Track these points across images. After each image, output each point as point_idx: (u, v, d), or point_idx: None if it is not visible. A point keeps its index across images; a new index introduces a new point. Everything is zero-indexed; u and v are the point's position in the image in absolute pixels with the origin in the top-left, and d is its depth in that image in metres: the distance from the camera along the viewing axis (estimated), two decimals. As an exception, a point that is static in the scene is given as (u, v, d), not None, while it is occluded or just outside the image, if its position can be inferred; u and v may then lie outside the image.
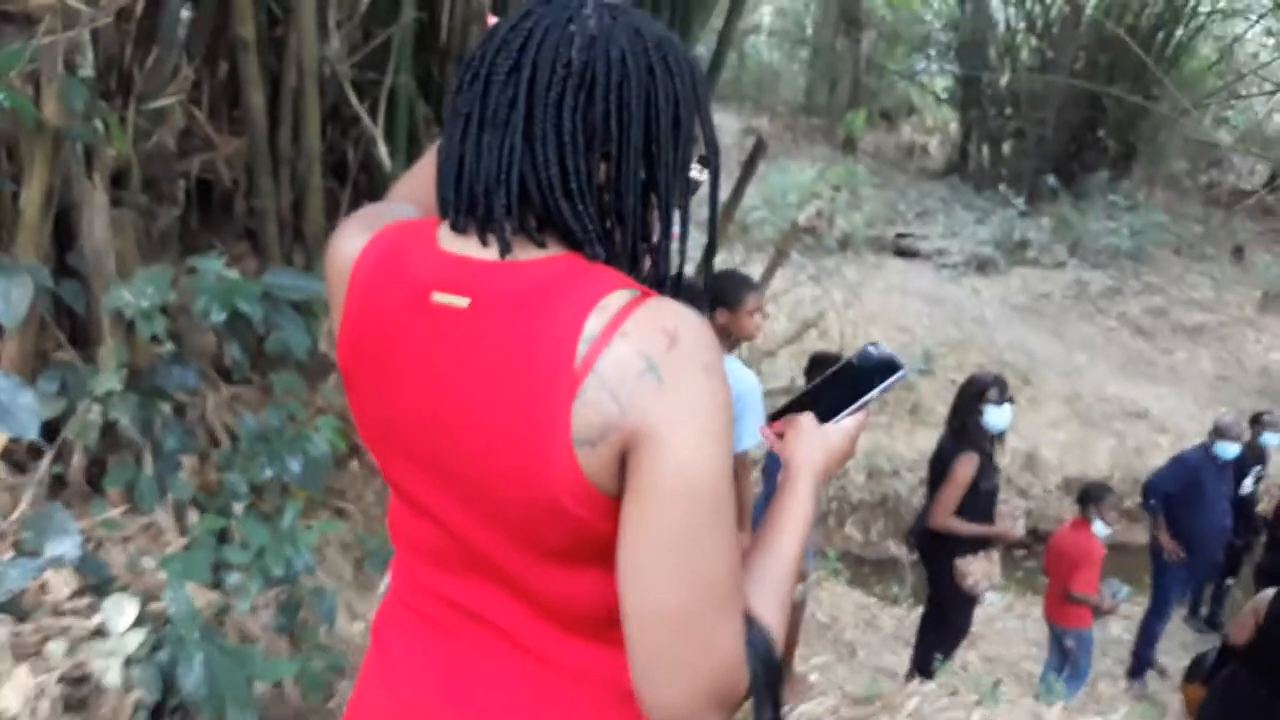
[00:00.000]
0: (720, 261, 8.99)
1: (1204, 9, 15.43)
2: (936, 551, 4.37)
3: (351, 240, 1.12)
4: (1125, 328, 12.49)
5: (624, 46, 1.00)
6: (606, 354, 0.94)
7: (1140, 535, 8.20)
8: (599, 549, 0.98)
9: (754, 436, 3.35)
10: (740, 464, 3.50)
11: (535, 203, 1.00)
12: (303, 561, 2.69)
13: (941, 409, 9.28)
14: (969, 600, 4.38)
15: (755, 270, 8.44)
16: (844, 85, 17.77)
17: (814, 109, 18.14)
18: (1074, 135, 15.79)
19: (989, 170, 16.49)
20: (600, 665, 1.07)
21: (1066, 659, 4.85)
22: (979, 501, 4.19)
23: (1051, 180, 14.92)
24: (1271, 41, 17.04)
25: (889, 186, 15.63)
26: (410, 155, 3.89)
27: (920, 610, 4.86)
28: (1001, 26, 16.28)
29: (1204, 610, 6.51)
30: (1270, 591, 4.10)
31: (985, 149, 16.91)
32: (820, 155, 15.52)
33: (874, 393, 1.20)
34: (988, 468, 4.20)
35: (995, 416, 4.20)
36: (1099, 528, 4.75)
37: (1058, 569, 4.84)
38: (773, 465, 4.15)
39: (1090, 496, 4.84)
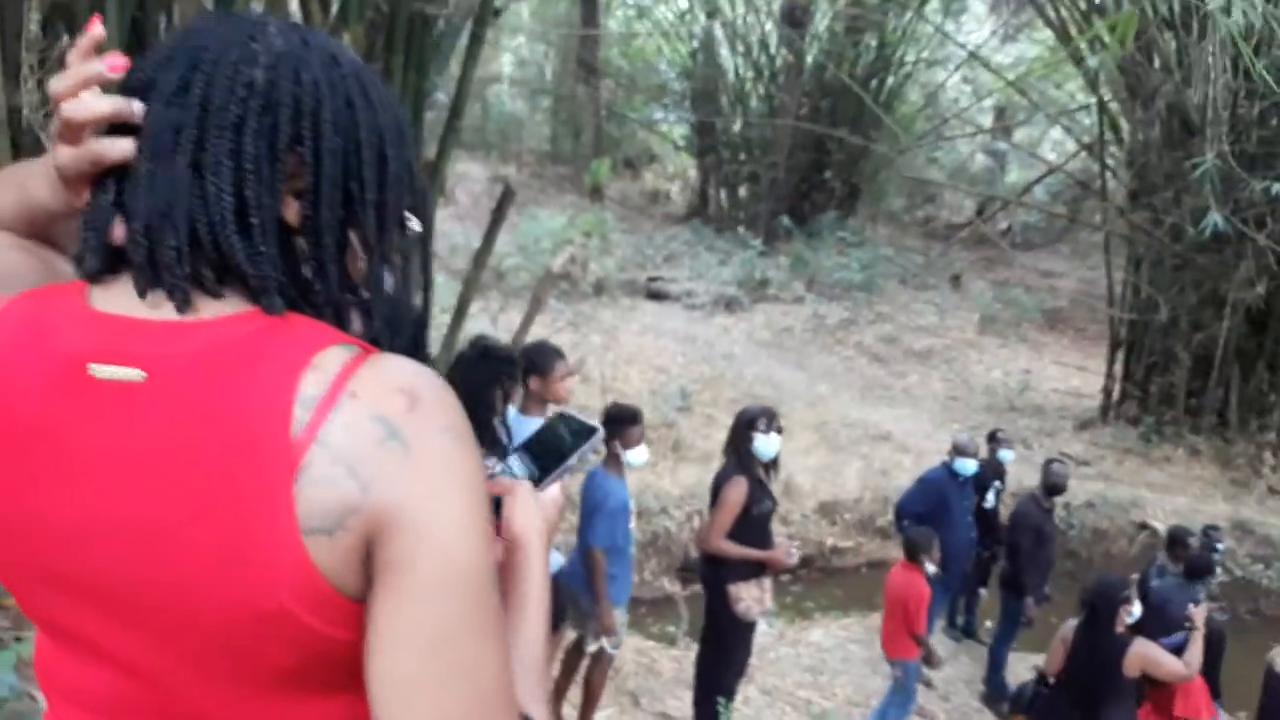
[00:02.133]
0: (476, 309, 8.84)
1: (910, 58, 16.76)
2: (711, 578, 4.42)
3: None
4: (862, 355, 13.25)
5: (317, 71, 0.85)
6: (333, 420, 0.77)
7: (893, 552, 8.63)
8: (340, 667, 0.80)
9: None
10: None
11: (207, 245, 0.82)
12: (6, 683, 2.32)
13: (701, 444, 9.51)
14: (746, 629, 4.43)
15: (513, 317, 8.31)
16: (587, 134, 18.09)
17: (559, 157, 18.36)
18: (803, 177, 16.73)
19: (728, 213, 17.18)
20: None
21: (896, 686, 5.17)
22: (751, 526, 4.29)
23: (785, 220, 15.72)
24: (969, 89, 18.79)
25: (636, 232, 15.98)
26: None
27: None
28: (731, 75, 17.06)
29: (960, 619, 6.88)
30: (1074, 621, 4.52)
31: (723, 193, 17.61)
32: (569, 203, 15.68)
33: (574, 457, 1.13)
34: (758, 493, 4.30)
35: (763, 444, 4.35)
36: (929, 568, 5.10)
37: (893, 608, 5.10)
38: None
39: (914, 544, 5.13)
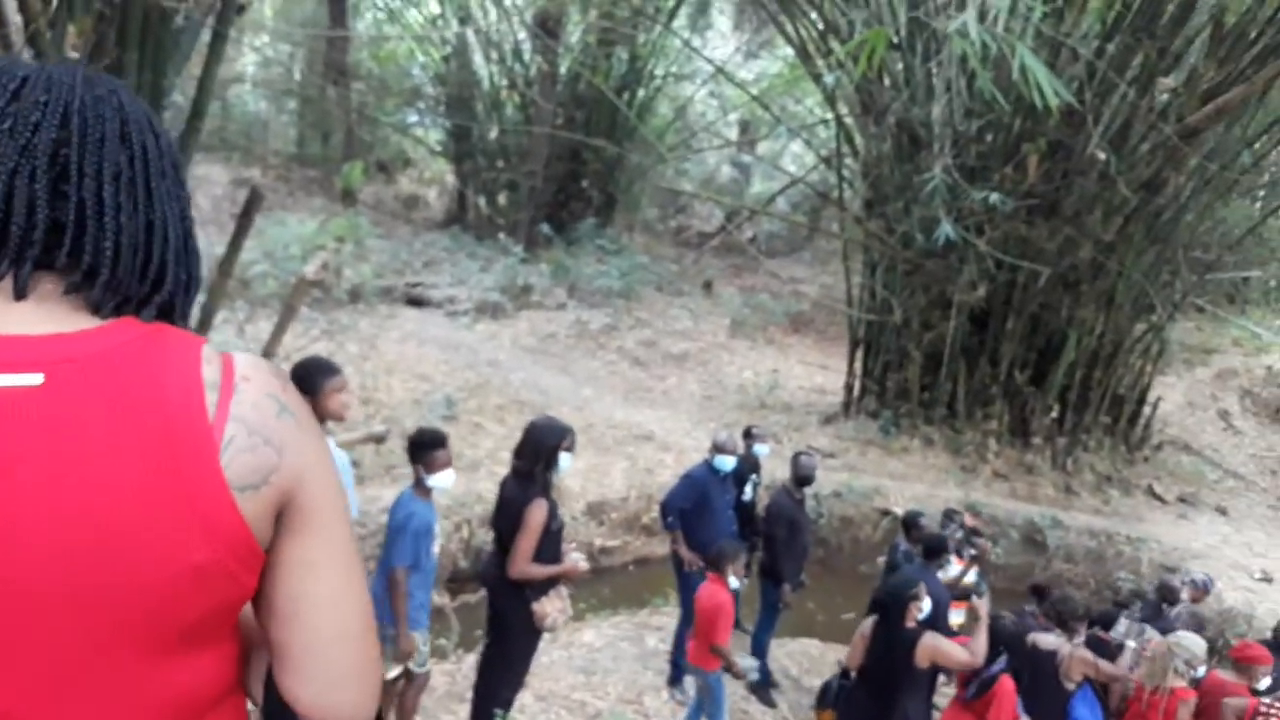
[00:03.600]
0: (221, 319, 8.34)
1: (660, 72, 17.26)
2: (510, 595, 4.35)
3: None
4: (623, 360, 13.52)
5: (132, 99, 1.03)
6: (238, 400, 0.93)
7: (658, 548, 8.84)
8: (228, 613, 0.97)
9: (351, 508, 3.43)
10: None
11: (152, 270, 0.99)
12: None
13: (469, 452, 9.38)
14: (533, 639, 4.46)
15: (262, 327, 7.90)
16: (337, 136, 17.51)
17: (307, 160, 17.69)
18: (561, 186, 16.89)
19: (487, 220, 17.09)
20: None
21: (704, 696, 5.25)
22: (549, 543, 4.28)
23: (545, 228, 15.81)
24: (715, 103, 19.57)
25: (393, 237, 15.63)
26: None
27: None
28: (486, 82, 16.99)
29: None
30: (870, 620, 4.80)
31: (482, 200, 17.51)
32: (319, 207, 15.13)
33: None
34: (554, 509, 4.32)
35: (566, 462, 4.37)
36: (732, 582, 5.19)
37: (699, 621, 5.17)
38: None
39: (721, 556, 5.21)
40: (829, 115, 12.70)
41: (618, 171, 17.37)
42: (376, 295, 12.80)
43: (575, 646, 6.22)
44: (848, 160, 12.05)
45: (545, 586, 4.32)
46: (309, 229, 12.82)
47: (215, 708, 0.99)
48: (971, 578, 6.27)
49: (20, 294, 0.92)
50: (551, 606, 4.32)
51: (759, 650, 6.28)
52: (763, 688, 6.23)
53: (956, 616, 5.97)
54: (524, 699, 4.84)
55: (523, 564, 4.21)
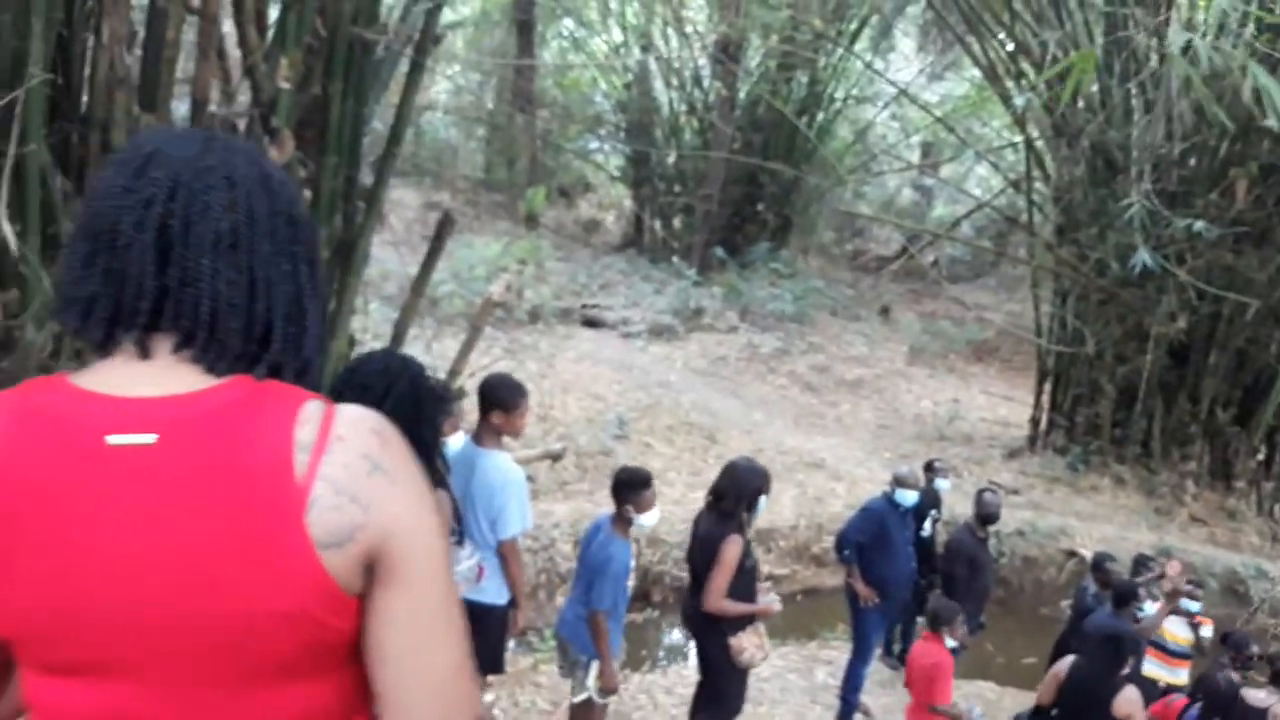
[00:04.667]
0: (410, 336, 8.73)
1: (839, 95, 17.07)
2: (709, 630, 4.48)
3: None
4: (795, 384, 13.36)
5: (250, 162, 1.11)
6: (329, 460, 1.00)
7: (828, 579, 8.67)
8: (331, 652, 1.04)
9: (526, 521, 4.01)
10: (512, 548, 4.04)
11: (257, 333, 1.06)
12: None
13: (639, 474, 9.48)
14: (742, 674, 4.55)
15: (448, 344, 8.21)
16: (522, 162, 18.08)
17: (494, 185, 18.30)
18: (736, 210, 16.89)
19: (662, 243, 17.26)
20: None
21: None
22: (743, 580, 4.37)
23: (719, 251, 15.83)
24: (897, 125, 19.19)
25: (571, 260, 15.97)
26: (46, 233, 3.40)
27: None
28: (665, 108, 17.20)
29: (896, 648, 6.91)
30: (1069, 659, 4.75)
31: (658, 223, 17.71)
32: (503, 230, 15.63)
33: None
34: (748, 548, 4.44)
35: (764, 504, 4.57)
36: (949, 642, 5.07)
37: (915, 681, 5.09)
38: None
39: (938, 616, 5.11)
40: (1018, 138, 12.26)
41: (794, 195, 17.25)
42: (555, 316, 13.10)
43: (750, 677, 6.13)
44: (1037, 184, 11.59)
45: (741, 622, 4.41)
46: (494, 251, 13.27)
47: None
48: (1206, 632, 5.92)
49: (144, 354, 1.04)
50: (749, 642, 4.41)
51: (933, 692, 6.05)
52: (936, 731, 5.99)
53: (1150, 666, 5.61)
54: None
55: (717, 598, 4.31)
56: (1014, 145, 13.08)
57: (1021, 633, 8.47)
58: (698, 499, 9.26)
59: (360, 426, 1.04)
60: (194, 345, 1.04)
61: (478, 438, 4.08)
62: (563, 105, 18.48)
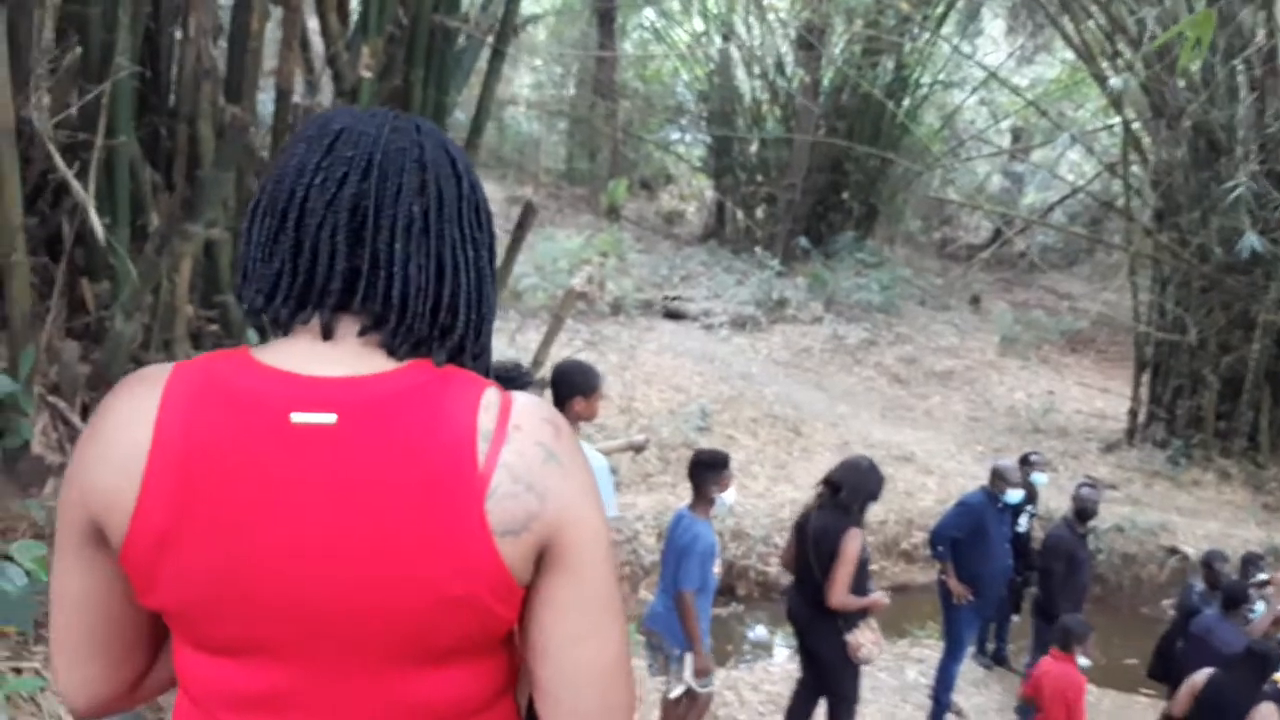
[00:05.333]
0: (495, 328, 8.76)
1: (926, 81, 16.69)
2: (822, 628, 4.48)
3: (129, 398, 1.02)
4: (882, 376, 13.10)
5: (438, 145, 1.09)
6: (508, 449, 0.99)
7: (918, 575, 8.48)
8: (494, 638, 1.05)
9: (611, 510, 4.05)
10: None
11: (443, 317, 1.05)
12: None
13: (722, 467, 9.37)
14: (857, 669, 4.57)
15: (530, 336, 8.22)
16: (603, 154, 18.07)
17: (575, 178, 18.33)
18: (820, 198, 16.62)
19: (744, 233, 17.08)
20: None
21: None
22: (860, 574, 4.40)
23: (803, 241, 15.61)
24: (985, 110, 18.70)
25: (653, 252, 15.90)
26: (135, 225, 3.44)
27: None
28: (748, 97, 17.01)
29: (990, 646, 6.71)
30: (1206, 671, 4.60)
31: (740, 214, 17.54)
32: (585, 223, 15.63)
33: None
34: (863, 542, 4.46)
35: (875, 505, 4.63)
36: (1082, 661, 4.92)
37: (1049, 703, 4.91)
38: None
39: (1068, 634, 4.97)
40: (1114, 120, 11.82)
41: (880, 183, 16.91)
42: (637, 308, 13.05)
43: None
44: (1134, 167, 11.16)
45: (855, 618, 4.44)
46: (576, 244, 13.27)
47: (481, 713, 1.08)
48: None
49: (327, 334, 1.03)
50: (865, 637, 4.44)
51: (1029, 692, 5.85)
52: (1032, 733, 5.80)
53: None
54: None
55: (841, 593, 4.34)
56: (1110, 128, 12.61)
57: (1119, 632, 8.17)
58: (782, 493, 9.24)
59: (535, 416, 1.04)
60: (383, 329, 1.03)
61: None
62: (644, 96, 18.41)
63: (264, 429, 0.97)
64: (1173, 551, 9.07)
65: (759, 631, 7.64)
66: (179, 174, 3.59)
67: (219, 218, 3.58)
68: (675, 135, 19.01)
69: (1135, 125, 10.89)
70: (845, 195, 16.78)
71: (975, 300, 15.86)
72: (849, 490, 4.45)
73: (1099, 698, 6.98)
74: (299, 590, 0.98)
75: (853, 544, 4.33)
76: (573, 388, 3.96)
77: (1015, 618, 6.55)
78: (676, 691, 4.26)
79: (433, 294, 1.05)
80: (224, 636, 1.01)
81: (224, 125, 3.53)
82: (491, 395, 1.02)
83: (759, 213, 17.33)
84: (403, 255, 1.03)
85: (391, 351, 1.03)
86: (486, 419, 1.00)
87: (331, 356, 1.02)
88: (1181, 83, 9.68)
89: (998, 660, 6.71)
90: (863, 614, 4.48)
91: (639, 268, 14.42)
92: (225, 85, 3.61)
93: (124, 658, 1.11)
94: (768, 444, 10.33)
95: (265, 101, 4.07)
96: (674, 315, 13.62)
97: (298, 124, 3.63)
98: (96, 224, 2.88)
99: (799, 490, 9.33)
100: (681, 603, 4.13)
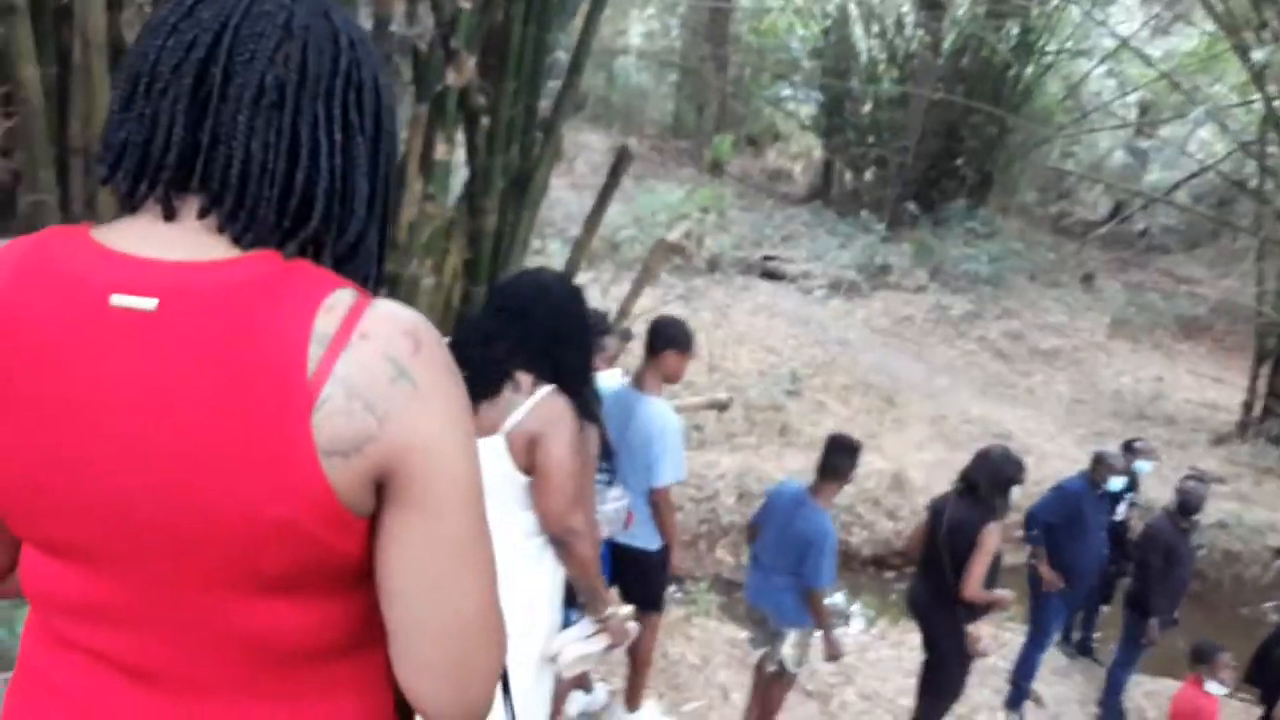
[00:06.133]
0: (588, 279, 8.71)
1: (1052, 48, 15.99)
2: (944, 618, 4.50)
3: None
4: (985, 351, 12.71)
5: (315, 12, 0.96)
6: (346, 358, 0.87)
7: (1008, 557, 8.11)
8: (336, 575, 0.94)
9: (680, 472, 3.87)
10: (664, 497, 3.86)
11: (295, 198, 0.93)
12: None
13: (809, 430, 9.21)
14: (968, 661, 4.59)
15: (625, 290, 8.16)
16: (711, 109, 17.81)
17: (681, 131, 18.11)
18: (932, 164, 16.12)
19: (851, 196, 16.69)
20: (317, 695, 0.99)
21: None
22: (992, 569, 4.42)
23: (912, 206, 15.17)
24: (1113, 82, 17.84)
25: (755, 210, 15.66)
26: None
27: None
28: (864, 56, 16.55)
29: (1075, 636, 6.49)
30: None
31: (848, 175, 17.12)
32: (687, 177, 15.44)
33: None
34: (1000, 536, 4.45)
35: (1016, 493, 4.55)
36: (1214, 687, 4.73)
37: None
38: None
39: (1201, 655, 4.81)
40: (1254, 96, 11.13)
41: (997, 151, 16.32)
42: (734, 265, 12.87)
43: (905, 648, 5.88)
44: (1272, 148, 10.51)
45: (978, 611, 4.46)
46: (676, 197, 13.11)
47: (321, 660, 0.97)
48: None
49: (168, 214, 0.92)
50: (985, 631, 4.50)
51: (1115, 685, 5.66)
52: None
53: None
54: (846, 695, 4.64)
55: (976, 585, 4.33)
56: (1249, 104, 11.88)
57: (1215, 632, 7.77)
58: (870, 463, 9.02)
59: (391, 325, 0.90)
60: (220, 210, 0.92)
61: (639, 381, 3.96)
62: (757, 51, 18.04)
63: (82, 311, 0.88)
64: (1279, 553, 8.64)
65: (837, 600, 7.52)
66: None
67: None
68: (786, 92, 18.59)
69: (1277, 103, 10.23)
70: (959, 162, 16.25)
71: (1088, 278, 15.24)
72: (985, 484, 4.43)
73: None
74: (115, 490, 0.88)
75: (991, 538, 4.33)
76: (669, 340, 3.90)
77: (1105, 608, 6.30)
78: (773, 667, 4.31)
79: (281, 177, 0.92)
80: (49, 535, 0.94)
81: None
82: (342, 296, 0.89)
83: (868, 175, 16.92)
84: (245, 129, 0.91)
85: (235, 239, 0.92)
86: (326, 322, 0.87)
87: (169, 239, 0.91)
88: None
89: (1082, 650, 6.48)
90: (986, 608, 4.49)
91: (739, 225, 14.20)
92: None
93: None
94: (859, 413, 10.12)
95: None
96: (772, 275, 13.41)
97: (392, 56, 3.59)
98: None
99: (888, 461, 9.13)
100: (815, 600, 4.12)
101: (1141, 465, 6.11)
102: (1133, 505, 6.13)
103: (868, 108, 16.55)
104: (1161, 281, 16.10)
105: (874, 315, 12.96)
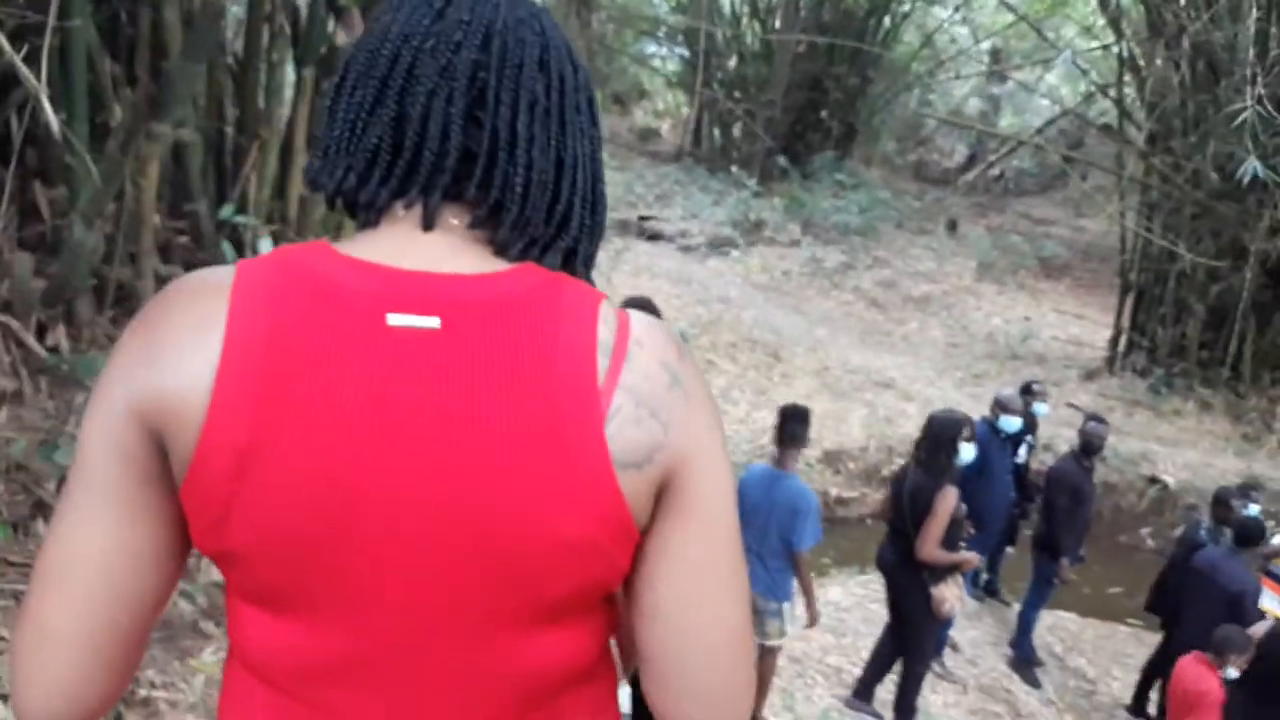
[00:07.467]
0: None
1: (908, -2, 16.25)
2: (910, 581, 4.55)
3: (190, 301, 0.82)
4: (860, 300, 12.93)
5: (554, 25, 0.94)
6: (630, 366, 0.84)
7: (899, 503, 8.38)
8: (603, 594, 0.90)
9: None
10: None
11: (559, 212, 0.90)
12: None
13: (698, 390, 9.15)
14: (937, 624, 4.67)
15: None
16: (576, 68, 17.50)
17: (546, 91, 17.74)
18: (799, 117, 16.24)
19: (721, 152, 16.67)
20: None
21: None
22: (953, 530, 4.46)
23: (782, 161, 15.24)
24: (965, 30, 18.27)
25: (626, 170, 15.49)
26: (94, 122, 3.07)
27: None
28: (727, 10, 16.47)
29: (982, 578, 6.61)
30: (1266, 624, 4.46)
31: (717, 132, 17.08)
32: (556, 138, 15.13)
33: None
34: (959, 501, 4.48)
35: (966, 452, 4.58)
36: (1231, 673, 4.41)
37: (1178, 705, 4.54)
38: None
39: (1226, 646, 4.42)
40: (1109, 41, 11.48)
41: (859, 102, 16.54)
42: (611, 227, 12.69)
43: (822, 603, 5.84)
44: (1127, 90, 10.89)
45: (943, 573, 4.51)
46: (547, 160, 12.82)
47: (574, 687, 0.91)
48: None
49: (429, 224, 0.87)
50: (949, 593, 4.49)
51: (1026, 625, 5.78)
52: (1027, 666, 5.73)
53: (1269, 600, 5.25)
54: (778, 662, 4.56)
55: (931, 547, 4.40)
56: (1106, 48, 12.28)
57: (1100, 560, 8.13)
58: (762, 419, 9.06)
59: (657, 332, 0.88)
60: (499, 222, 0.87)
61: None
62: (619, 7, 17.78)
63: (358, 329, 0.80)
64: (1153, 481, 9.04)
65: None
66: (142, 66, 3.21)
67: (188, 116, 3.21)
68: (651, 49, 18.43)
69: (1130, 45, 10.59)
70: (824, 114, 16.40)
71: (952, 225, 15.65)
72: (932, 449, 4.50)
73: (1081, 628, 6.96)
74: (397, 524, 0.81)
75: (945, 501, 4.37)
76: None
77: (1010, 550, 6.43)
78: (775, 641, 4.35)
79: (552, 185, 0.89)
80: (301, 584, 0.83)
81: (192, 11, 3.15)
82: (608, 307, 0.87)
83: (736, 131, 16.92)
84: (526, 136, 0.87)
85: (502, 249, 0.87)
86: (605, 331, 0.84)
87: (431, 251, 0.85)
88: (1182, 1, 9.39)
89: (989, 592, 6.62)
90: (950, 570, 4.53)
91: (613, 186, 13.98)
92: (193, -35, 3.21)
93: (125, 654, 0.86)
94: (748, 369, 10.13)
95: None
96: (649, 236, 13.30)
97: (275, 15, 3.25)
98: (52, 118, 2.51)
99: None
100: (800, 561, 4.18)
101: (1039, 407, 6.24)
102: (1032, 448, 6.26)
103: (733, 63, 16.51)
104: (1019, 224, 16.67)
105: (752, 271, 13.01)
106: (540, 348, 0.81)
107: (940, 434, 4.53)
